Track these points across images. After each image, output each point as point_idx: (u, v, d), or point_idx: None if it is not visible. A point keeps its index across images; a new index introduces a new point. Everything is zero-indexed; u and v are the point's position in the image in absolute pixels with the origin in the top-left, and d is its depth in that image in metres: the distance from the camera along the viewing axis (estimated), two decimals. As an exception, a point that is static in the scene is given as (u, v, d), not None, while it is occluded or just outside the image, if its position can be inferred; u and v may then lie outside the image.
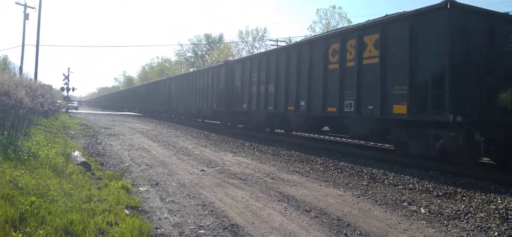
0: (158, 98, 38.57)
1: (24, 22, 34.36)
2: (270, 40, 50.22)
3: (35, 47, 32.38)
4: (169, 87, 34.17)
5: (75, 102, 59.88)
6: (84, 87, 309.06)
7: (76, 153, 9.01)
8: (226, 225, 5.03)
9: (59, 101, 32.05)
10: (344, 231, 4.93)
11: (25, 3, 34.27)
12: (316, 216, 5.55)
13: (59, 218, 4.37)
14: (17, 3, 34.07)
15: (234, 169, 9.31)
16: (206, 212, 5.60)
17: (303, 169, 9.76)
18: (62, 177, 6.55)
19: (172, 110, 34.14)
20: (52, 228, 4.07)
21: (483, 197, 6.66)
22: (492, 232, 5.04)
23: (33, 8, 34.93)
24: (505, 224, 5.35)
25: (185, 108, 29.20)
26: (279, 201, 6.37)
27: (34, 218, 4.25)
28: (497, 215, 5.72)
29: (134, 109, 53.03)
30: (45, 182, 5.71)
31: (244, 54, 55.13)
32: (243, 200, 6.33)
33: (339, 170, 9.49)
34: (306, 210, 5.84)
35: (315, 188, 7.45)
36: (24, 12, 34.27)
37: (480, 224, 5.36)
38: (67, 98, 42.40)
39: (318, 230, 4.95)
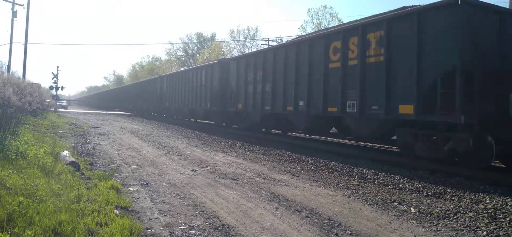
0: (181, 96, 27.08)
1: (12, 20, 33.96)
2: (262, 40, 50.31)
3: (23, 45, 32.02)
4: (232, 75, 18.97)
5: (64, 101, 59.35)
6: (73, 86, 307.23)
7: (65, 153, 8.91)
8: (217, 225, 5.01)
9: (48, 100, 31.81)
10: (335, 231, 4.94)
11: (13, 0, 33.83)
12: (307, 216, 5.56)
13: (47, 218, 4.31)
14: (5, 0, 33.61)
15: (225, 169, 9.29)
16: (197, 212, 5.58)
17: (294, 168, 9.77)
18: (51, 177, 6.47)
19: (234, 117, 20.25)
20: (40, 229, 4.02)
21: (472, 197, 6.73)
22: (480, 232, 5.09)
23: (21, 5, 34.55)
24: (493, 224, 5.41)
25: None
26: (270, 201, 6.36)
27: (22, 218, 4.19)
28: (486, 215, 5.78)
29: (127, 109, 52.36)
30: (34, 182, 5.64)
31: (235, 54, 55.09)
32: (234, 200, 6.31)
33: (330, 170, 9.52)
34: (297, 210, 5.84)
35: (306, 188, 7.46)
36: (12, 9, 33.84)
37: (469, 223, 5.41)
38: (56, 97, 42.04)
39: (309, 230, 4.96)
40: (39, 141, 10.83)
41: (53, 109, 34.09)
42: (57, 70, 42.54)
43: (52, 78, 41.03)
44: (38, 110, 19.04)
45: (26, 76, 30.60)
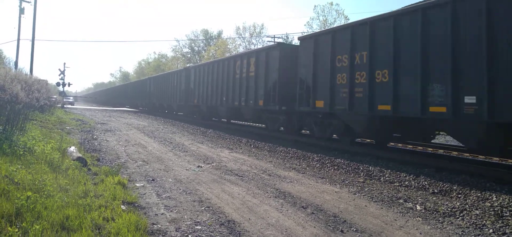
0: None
1: (20, 16, 34.14)
2: (267, 36, 50.20)
3: (30, 42, 32.20)
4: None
5: (71, 98, 59.52)
6: (80, 82, 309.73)
7: (72, 148, 8.97)
8: (223, 221, 5.04)
9: (55, 96, 31.97)
10: (340, 228, 4.94)
11: (21, -3, 33.99)
12: (313, 213, 5.57)
13: (55, 213, 4.36)
14: (12, -3, 33.76)
15: (230, 165, 9.31)
16: (203, 208, 5.60)
17: (299, 165, 9.77)
18: (58, 172, 6.53)
19: None
20: (48, 223, 4.06)
21: (479, 195, 6.70)
22: (487, 229, 5.07)
23: (28, 2, 34.68)
24: (500, 221, 5.38)
25: None
26: (275, 197, 6.38)
27: (30, 213, 4.24)
28: (492, 212, 5.76)
29: (133, 106, 52.41)
30: (41, 177, 5.69)
31: (241, 50, 55.07)
32: (240, 196, 6.34)
33: (336, 167, 9.51)
34: (302, 207, 5.85)
35: (312, 185, 7.47)
36: (20, 6, 34.02)
37: (475, 221, 5.39)
38: (63, 94, 42.21)
39: (315, 227, 4.97)
40: (47, 137, 10.92)
41: (60, 105, 34.29)
42: (64, 67, 42.76)
43: (59, 75, 41.21)
44: (45, 106, 19.14)
45: (33, 72, 30.78)
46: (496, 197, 6.48)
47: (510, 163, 9.81)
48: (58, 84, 41.46)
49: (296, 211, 5.65)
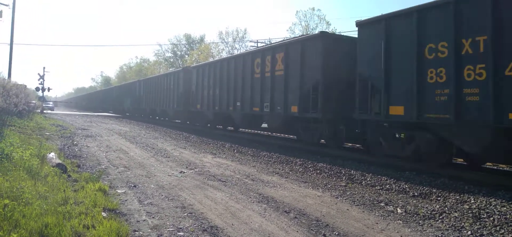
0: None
1: (-3, 20, 33.36)
2: (250, 41, 50.25)
3: (8, 46, 31.51)
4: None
5: (51, 103, 58.40)
6: (60, 87, 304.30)
7: (52, 155, 8.81)
8: (206, 227, 5.02)
9: (34, 101, 31.31)
10: (323, 232, 4.98)
11: (-2, 1, 33.27)
12: (295, 217, 5.60)
13: (33, 221, 4.27)
14: (-11, 0, 32.98)
15: (213, 171, 9.28)
16: (185, 214, 5.57)
17: (282, 170, 9.81)
18: (37, 179, 6.40)
19: None
20: (26, 232, 3.98)
21: (457, 197, 6.84)
22: (465, 231, 5.18)
23: (6, 5, 33.93)
24: (477, 223, 5.51)
25: None
26: (258, 202, 6.39)
27: (8, 221, 4.14)
28: (470, 215, 5.88)
29: (115, 111, 51.40)
30: (19, 184, 5.57)
31: (224, 55, 54.97)
32: (223, 202, 6.32)
33: (318, 171, 9.58)
34: (285, 211, 5.87)
35: (294, 189, 7.50)
36: (-3, 9, 33.26)
37: (454, 223, 5.50)
38: (42, 99, 41.43)
39: (297, 231, 4.99)
40: (25, 143, 10.69)
41: (39, 110, 33.62)
42: (44, 71, 41.92)
43: (38, 79, 40.44)
44: (24, 111, 18.78)
45: (12, 77, 30.09)
46: (474, 200, 6.63)
47: (488, 167, 10.04)
48: (37, 89, 40.64)
49: (279, 215, 5.66)
